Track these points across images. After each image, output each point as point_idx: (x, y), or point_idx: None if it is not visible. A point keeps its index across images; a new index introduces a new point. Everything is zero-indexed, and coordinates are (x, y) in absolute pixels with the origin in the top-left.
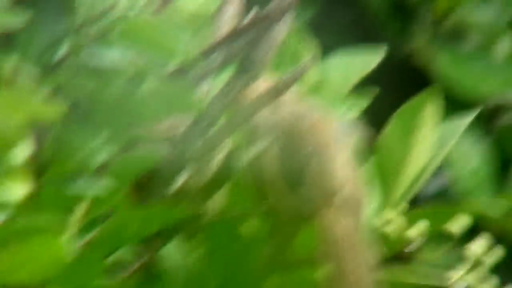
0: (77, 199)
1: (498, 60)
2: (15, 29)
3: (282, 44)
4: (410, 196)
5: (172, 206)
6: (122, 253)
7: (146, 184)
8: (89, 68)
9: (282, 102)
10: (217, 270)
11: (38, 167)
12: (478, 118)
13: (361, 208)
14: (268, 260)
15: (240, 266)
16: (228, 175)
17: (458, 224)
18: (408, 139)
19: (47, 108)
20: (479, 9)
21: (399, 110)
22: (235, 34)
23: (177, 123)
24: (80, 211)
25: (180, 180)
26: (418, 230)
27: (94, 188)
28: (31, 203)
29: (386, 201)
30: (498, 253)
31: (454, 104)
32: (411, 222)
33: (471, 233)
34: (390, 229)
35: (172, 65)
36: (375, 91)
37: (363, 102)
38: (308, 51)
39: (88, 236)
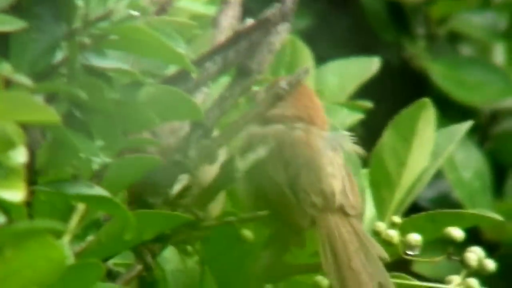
0: (74, 204)
1: (494, 67)
2: (11, 34)
3: (279, 51)
4: (408, 203)
5: (171, 211)
6: (120, 258)
7: (143, 190)
8: (85, 74)
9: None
10: (215, 275)
11: (34, 172)
12: (474, 125)
13: (360, 214)
14: (266, 266)
15: (238, 271)
16: (225, 182)
17: (456, 230)
18: (404, 147)
19: (43, 113)
20: (475, 16)
21: (395, 118)
22: (233, 39)
23: (175, 129)
24: (77, 216)
25: (178, 186)
26: (416, 236)
27: (90, 193)
28: (28, 207)
29: (384, 208)
30: (494, 261)
31: (450, 111)
32: (409, 228)
33: (468, 239)
34: (388, 236)
35: (170, 71)
36: (371, 102)
37: (360, 110)
38: (304, 58)
39: (86, 241)
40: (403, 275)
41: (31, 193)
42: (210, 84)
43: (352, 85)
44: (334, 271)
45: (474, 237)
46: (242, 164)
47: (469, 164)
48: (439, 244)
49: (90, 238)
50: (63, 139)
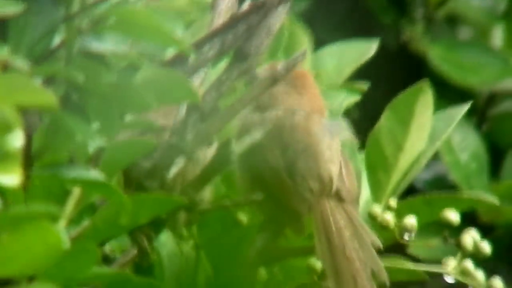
0: (69, 187)
1: (492, 49)
2: (9, 17)
3: (277, 34)
4: (405, 185)
5: (167, 194)
6: (117, 242)
7: (139, 174)
8: (83, 57)
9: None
10: (211, 259)
11: (31, 155)
12: (472, 107)
13: (356, 198)
14: (260, 249)
15: (233, 255)
16: (221, 166)
17: (452, 213)
18: (402, 129)
19: (41, 95)
20: None
21: (393, 101)
22: (231, 23)
23: (172, 112)
24: (73, 200)
25: (175, 169)
26: (412, 220)
27: (87, 177)
28: (24, 191)
29: (381, 191)
30: (490, 243)
31: (448, 93)
32: (405, 211)
33: (464, 222)
34: (384, 220)
35: (167, 54)
36: (368, 83)
37: (358, 92)
38: (302, 41)
39: (82, 226)
40: (399, 257)
41: (27, 178)
42: (208, 68)
43: (350, 68)
44: (328, 258)
45: (469, 219)
46: (238, 148)
47: (466, 146)
48: (435, 226)
49: (85, 222)
50: (60, 123)
